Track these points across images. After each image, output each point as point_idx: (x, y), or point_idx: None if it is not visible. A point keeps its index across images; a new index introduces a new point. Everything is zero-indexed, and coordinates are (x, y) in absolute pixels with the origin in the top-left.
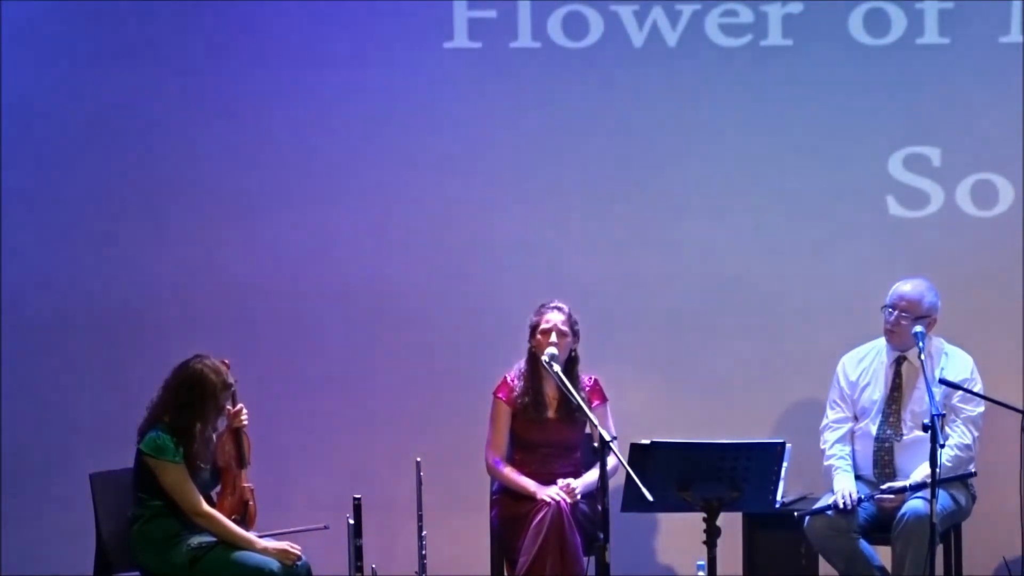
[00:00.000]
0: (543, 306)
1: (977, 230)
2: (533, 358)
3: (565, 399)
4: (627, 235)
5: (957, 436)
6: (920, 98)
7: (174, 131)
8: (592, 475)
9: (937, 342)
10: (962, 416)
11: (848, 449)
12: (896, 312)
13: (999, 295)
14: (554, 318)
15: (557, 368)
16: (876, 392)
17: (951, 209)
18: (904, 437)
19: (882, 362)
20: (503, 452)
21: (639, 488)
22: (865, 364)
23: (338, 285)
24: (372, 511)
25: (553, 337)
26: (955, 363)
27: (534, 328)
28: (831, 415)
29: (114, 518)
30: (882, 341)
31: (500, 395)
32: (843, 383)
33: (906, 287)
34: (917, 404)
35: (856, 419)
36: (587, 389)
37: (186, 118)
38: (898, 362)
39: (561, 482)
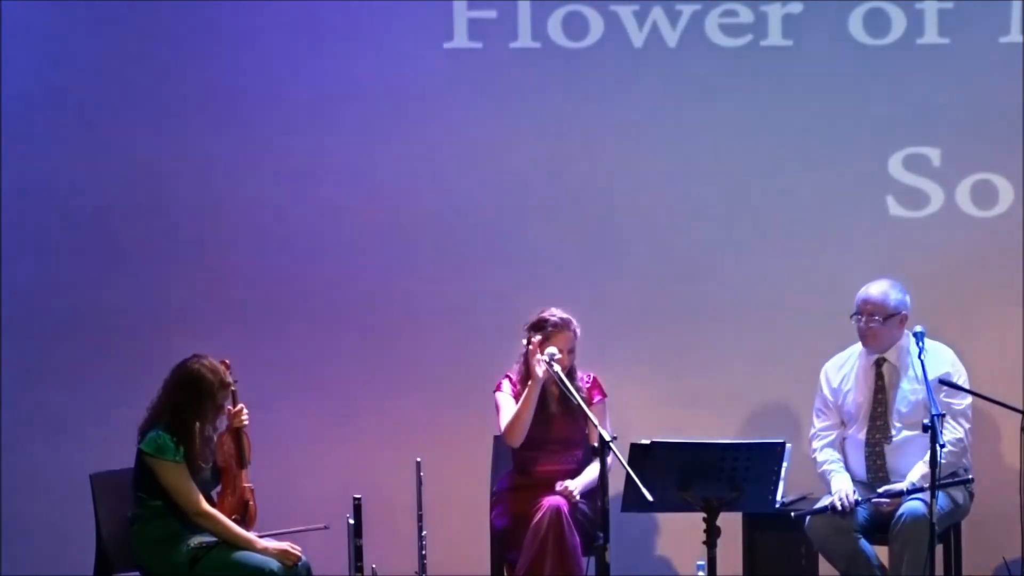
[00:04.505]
0: (547, 322)
1: (977, 230)
2: (530, 367)
3: (566, 394)
4: (627, 235)
5: (949, 432)
6: (920, 98)
7: (174, 132)
8: (590, 474)
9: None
10: (949, 412)
11: (838, 454)
12: (864, 316)
13: (999, 295)
14: (565, 338)
15: (558, 368)
16: (859, 396)
17: (951, 209)
18: (893, 439)
19: (861, 366)
20: None
21: (639, 488)
22: (845, 370)
23: (338, 285)
24: (372, 511)
25: (566, 356)
26: (934, 357)
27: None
28: (818, 423)
29: (114, 518)
30: (859, 345)
31: (508, 376)
32: (826, 391)
33: (869, 290)
34: (902, 404)
35: (843, 424)
36: (587, 386)
37: (185, 119)
38: (878, 364)
39: (559, 486)
